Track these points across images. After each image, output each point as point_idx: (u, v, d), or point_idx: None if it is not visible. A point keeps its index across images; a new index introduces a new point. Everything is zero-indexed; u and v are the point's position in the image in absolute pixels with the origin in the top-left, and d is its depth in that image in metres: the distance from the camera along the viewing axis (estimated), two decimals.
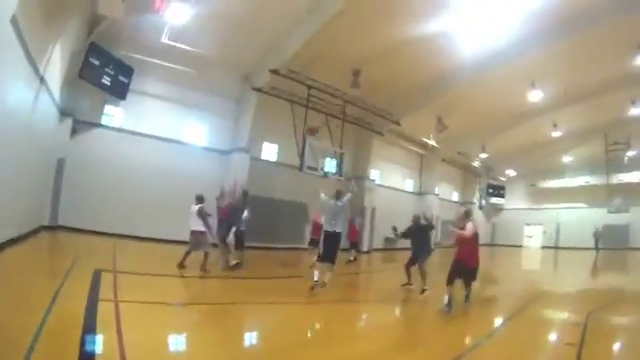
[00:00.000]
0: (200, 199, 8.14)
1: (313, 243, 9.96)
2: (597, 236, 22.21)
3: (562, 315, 6.84)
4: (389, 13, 11.55)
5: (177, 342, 4.00)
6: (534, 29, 12.96)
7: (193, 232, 7.96)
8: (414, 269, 7.75)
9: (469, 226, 6.19)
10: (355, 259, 13.02)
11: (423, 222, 8.22)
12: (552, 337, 5.29)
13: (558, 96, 17.99)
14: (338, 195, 7.03)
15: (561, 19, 12.68)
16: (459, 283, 6.38)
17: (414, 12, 11.65)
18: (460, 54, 14.07)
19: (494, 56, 14.13)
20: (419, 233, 7.93)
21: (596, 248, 21.96)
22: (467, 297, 6.56)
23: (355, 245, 13.51)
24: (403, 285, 7.90)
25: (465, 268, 6.27)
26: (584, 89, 18.20)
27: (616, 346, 4.88)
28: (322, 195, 6.99)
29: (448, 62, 14.80)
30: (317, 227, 9.52)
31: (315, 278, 6.59)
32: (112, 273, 6.44)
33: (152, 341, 3.73)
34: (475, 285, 6.77)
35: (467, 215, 6.67)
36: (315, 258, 7.45)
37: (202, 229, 7.92)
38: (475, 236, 6.28)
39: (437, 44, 13.12)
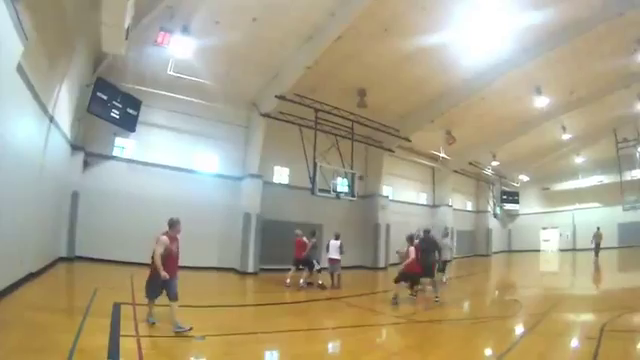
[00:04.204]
0: (337, 236, 11.48)
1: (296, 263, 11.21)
2: (597, 239, 20.95)
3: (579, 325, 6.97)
4: (387, 33, 11.64)
5: None
6: (532, 39, 12.97)
7: (332, 259, 11.22)
8: None
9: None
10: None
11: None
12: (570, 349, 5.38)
13: (564, 99, 17.91)
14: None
15: (557, 27, 12.68)
16: None
17: (413, 30, 11.65)
18: (462, 68, 14.15)
19: (495, 67, 14.16)
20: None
21: (596, 249, 20.75)
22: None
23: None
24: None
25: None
26: (589, 89, 18.10)
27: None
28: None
29: (451, 76, 14.81)
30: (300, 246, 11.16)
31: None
32: (131, 306, 6.49)
33: None
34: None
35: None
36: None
37: (338, 257, 11.17)
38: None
39: (438, 59, 13.21)
